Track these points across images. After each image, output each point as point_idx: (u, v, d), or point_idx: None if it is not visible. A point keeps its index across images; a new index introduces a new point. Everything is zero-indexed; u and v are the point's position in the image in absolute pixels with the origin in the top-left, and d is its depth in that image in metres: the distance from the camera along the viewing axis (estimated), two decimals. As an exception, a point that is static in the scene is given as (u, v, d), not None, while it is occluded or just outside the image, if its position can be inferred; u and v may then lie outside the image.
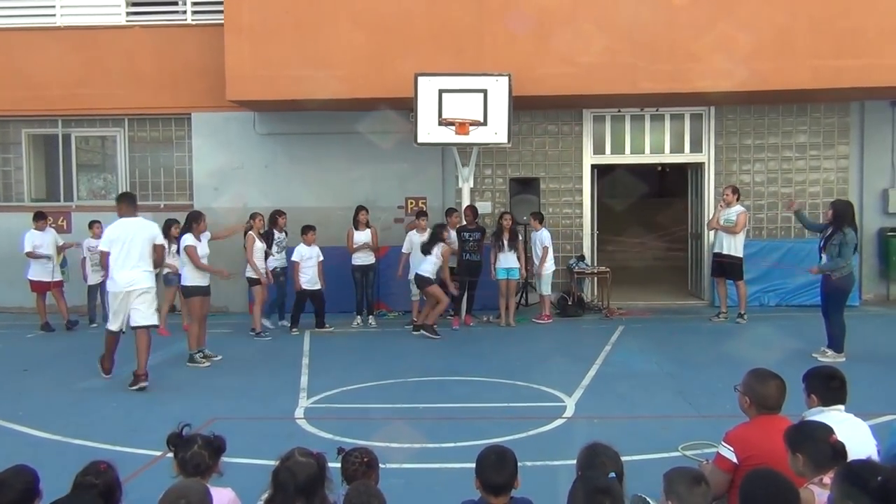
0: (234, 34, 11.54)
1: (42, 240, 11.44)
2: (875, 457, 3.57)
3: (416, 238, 11.24)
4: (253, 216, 10.91)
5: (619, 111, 12.98)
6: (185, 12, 13.13)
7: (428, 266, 10.58)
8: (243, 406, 7.35)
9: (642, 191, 17.48)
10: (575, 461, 3.37)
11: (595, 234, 13.30)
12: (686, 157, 13.18)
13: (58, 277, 11.65)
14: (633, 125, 13.09)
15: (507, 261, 11.31)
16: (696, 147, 13.03)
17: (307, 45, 11.41)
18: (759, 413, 3.82)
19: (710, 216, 11.86)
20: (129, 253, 7.97)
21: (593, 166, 13.14)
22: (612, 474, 3.06)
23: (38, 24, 13.23)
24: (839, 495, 2.81)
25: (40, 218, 11.59)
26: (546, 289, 11.63)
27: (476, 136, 10.91)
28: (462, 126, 10.79)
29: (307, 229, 11.05)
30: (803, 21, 11.05)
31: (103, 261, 8.23)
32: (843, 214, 8.69)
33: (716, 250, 11.25)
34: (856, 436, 3.64)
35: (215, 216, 11.27)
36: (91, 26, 13.09)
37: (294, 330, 10.97)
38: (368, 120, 12.33)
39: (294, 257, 10.96)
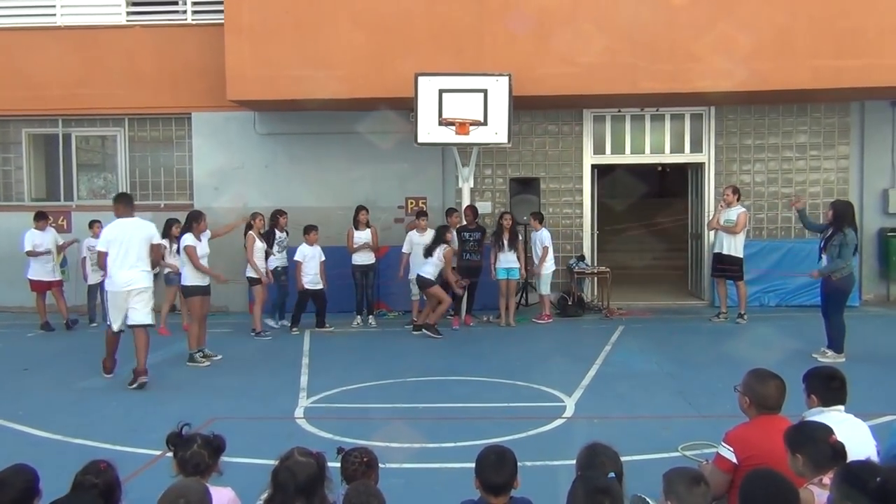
0: (235, 34, 11.54)
1: (42, 239, 11.45)
2: (875, 457, 3.57)
3: (416, 238, 11.24)
4: (253, 216, 10.91)
5: (620, 111, 12.98)
6: (185, 12, 13.14)
7: (429, 267, 10.58)
8: (243, 406, 7.35)
9: (642, 191, 17.48)
10: (575, 461, 3.37)
11: (595, 235, 13.31)
12: (686, 157, 13.18)
13: (58, 277, 11.66)
14: (633, 125, 13.09)
15: (507, 261, 11.31)
16: (697, 147, 13.03)
17: (307, 45, 11.42)
18: (759, 413, 3.82)
19: (711, 216, 11.86)
20: (126, 253, 8.00)
21: (593, 166, 13.14)
22: (612, 474, 3.06)
23: (38, 23, 13.23)
24: (838, 496, 2.82)
25: (41, 218, 11.59)
26: (546, 289, 11.63)
27: (476, 136, 10.90)
28: (462, 126, 10.79)
29: (309, 229, 11.05)
30: (803, 21, 11.05)
31: (101, 261, 8.24)
32: (843, 215, 8.68)
33: (716, 250, 11.25)
34: (855, 436, 3.64)
35: (215, 216, 11.28)
36: (91, 26, 13.09)
37: (294, 329, 10.98)
38: (368, 120, 12.34)
39: (297, 257, 10.96)
